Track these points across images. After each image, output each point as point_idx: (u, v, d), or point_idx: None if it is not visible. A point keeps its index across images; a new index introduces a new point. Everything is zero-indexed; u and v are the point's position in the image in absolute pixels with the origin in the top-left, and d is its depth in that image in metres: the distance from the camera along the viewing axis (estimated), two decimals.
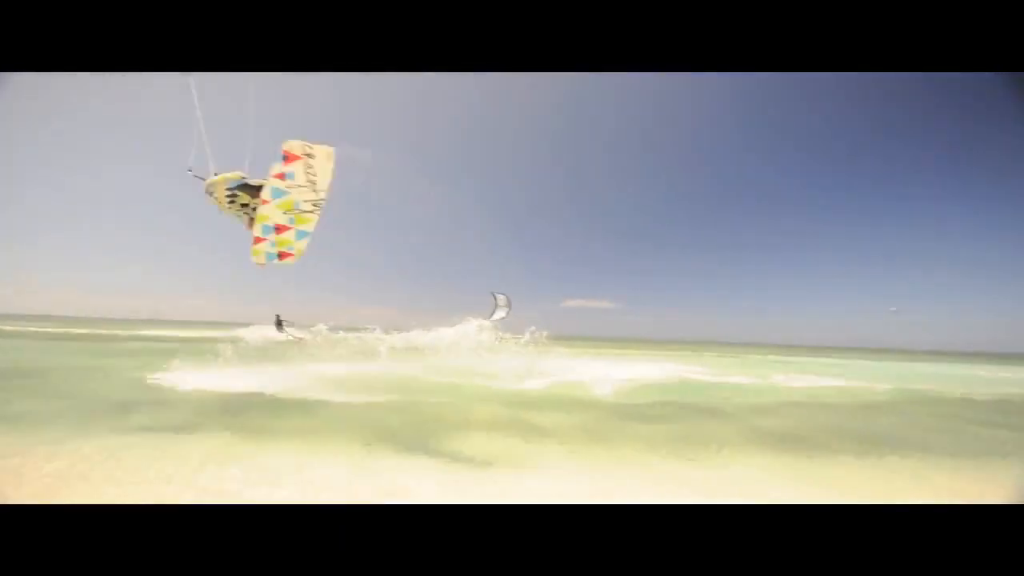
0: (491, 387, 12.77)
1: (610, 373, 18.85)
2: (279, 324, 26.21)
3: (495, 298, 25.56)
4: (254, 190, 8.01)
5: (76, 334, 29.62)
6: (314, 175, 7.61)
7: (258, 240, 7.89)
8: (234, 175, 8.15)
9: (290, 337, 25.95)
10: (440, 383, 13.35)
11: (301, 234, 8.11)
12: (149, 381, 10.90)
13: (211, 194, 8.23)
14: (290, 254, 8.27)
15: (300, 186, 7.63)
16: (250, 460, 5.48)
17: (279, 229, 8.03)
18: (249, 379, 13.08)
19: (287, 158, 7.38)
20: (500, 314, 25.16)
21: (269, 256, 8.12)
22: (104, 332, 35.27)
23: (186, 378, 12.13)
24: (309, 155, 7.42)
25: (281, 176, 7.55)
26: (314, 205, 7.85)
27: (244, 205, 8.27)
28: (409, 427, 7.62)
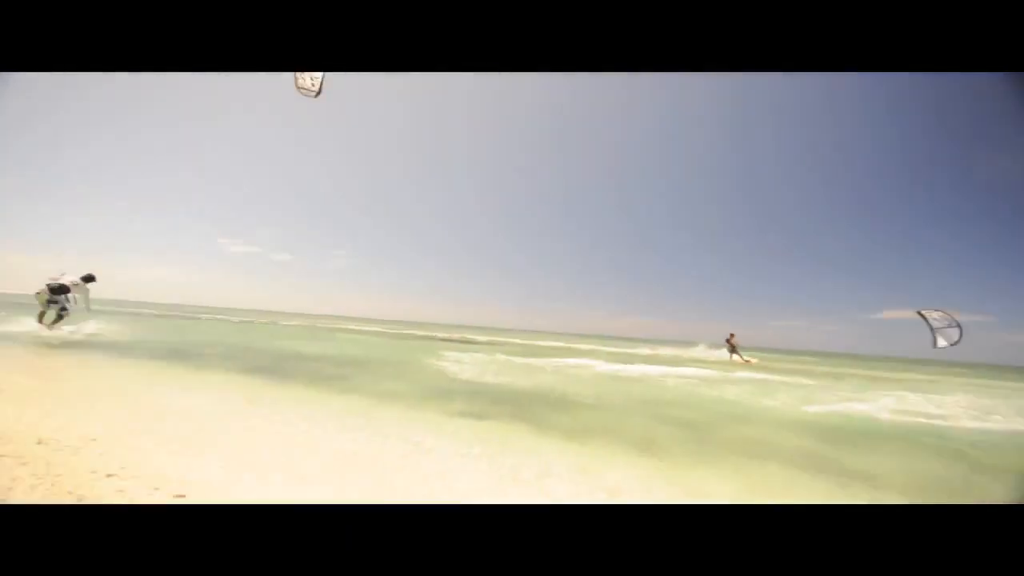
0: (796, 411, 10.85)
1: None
2: (732, 347, 27.19)
3: (924, 318, 16.77)
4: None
5: (415, 335, 37.28)
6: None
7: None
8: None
9: (735, 358, 26.20)
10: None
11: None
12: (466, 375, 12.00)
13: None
14: None
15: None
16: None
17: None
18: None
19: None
20: (943, 342, 16.35)
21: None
22: (443, 335, 41.70)
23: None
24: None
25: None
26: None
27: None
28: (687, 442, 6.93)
